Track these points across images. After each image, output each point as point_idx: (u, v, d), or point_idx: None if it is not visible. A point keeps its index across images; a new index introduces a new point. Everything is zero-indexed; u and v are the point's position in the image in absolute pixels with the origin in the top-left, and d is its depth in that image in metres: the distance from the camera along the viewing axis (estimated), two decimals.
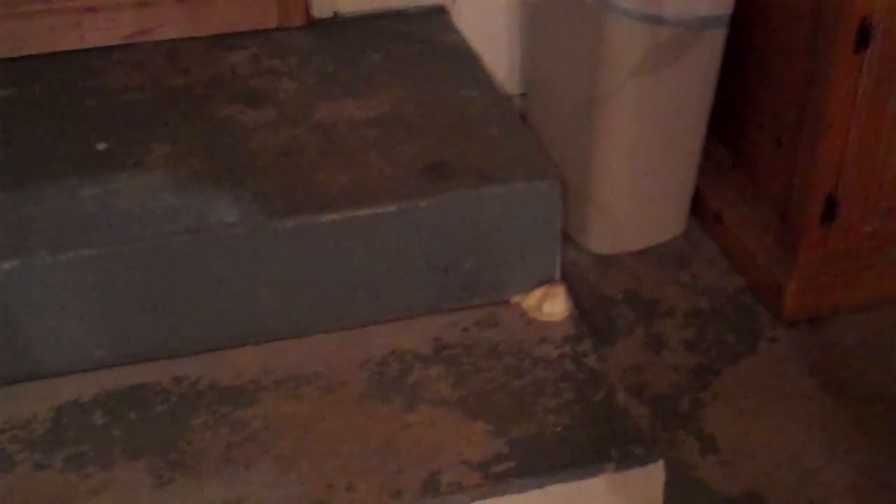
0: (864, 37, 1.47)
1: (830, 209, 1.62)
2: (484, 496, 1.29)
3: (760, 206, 1.77)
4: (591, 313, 1.69)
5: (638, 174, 1.77)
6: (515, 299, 1.56)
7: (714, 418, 1.54)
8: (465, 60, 1.76)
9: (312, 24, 1.84)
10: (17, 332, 1.38)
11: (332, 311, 1.49)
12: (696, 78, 1.70)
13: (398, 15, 1.87)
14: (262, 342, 1.48)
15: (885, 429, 1.52)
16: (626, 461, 1.33)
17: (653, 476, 1.34)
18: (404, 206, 1.45)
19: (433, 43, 1.79)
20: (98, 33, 1.74)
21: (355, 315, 1.51)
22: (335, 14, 1.86)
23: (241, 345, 1.47)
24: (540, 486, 1.30)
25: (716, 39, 1.68)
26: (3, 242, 1.36)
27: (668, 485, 1.35)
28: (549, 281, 1.57)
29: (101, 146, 1.52)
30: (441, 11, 1.89)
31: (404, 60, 1.74)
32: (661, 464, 1.34)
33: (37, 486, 1.28)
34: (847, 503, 1.42)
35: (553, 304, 1.54)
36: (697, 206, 1.88)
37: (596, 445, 1.34)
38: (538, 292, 1.55)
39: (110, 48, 1.75)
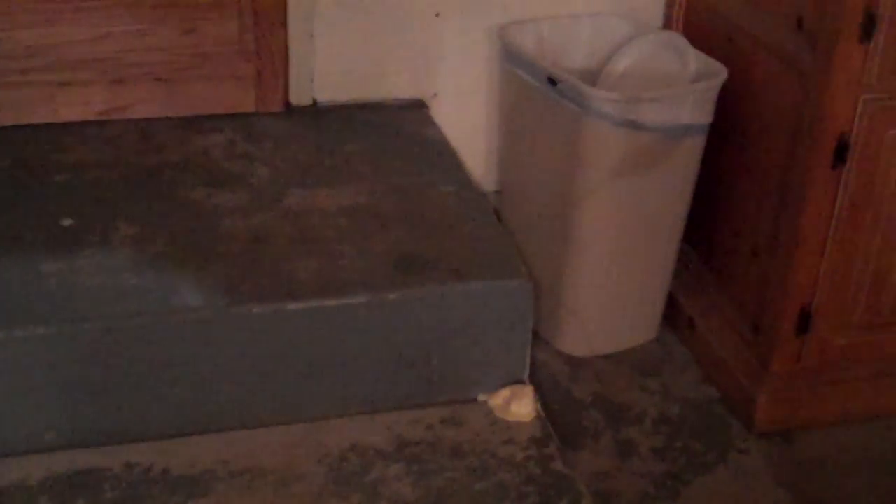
0: (841, 153, 1.50)
1: (804, 322, 1.62)
2: None
3: (734, 315, 1.78)
4: (559, 416, 1.68)
5: (611, 278, 1.78)
6: (482, 398, 1.55)
7: None
8: (443, 155, 1.78)
9: (290, 110, 1.86)
10: None
11: (293, 402, 1.48)
12: (672, 184, 1.72)
13: (377, 107, 1.89)
14: (220, 431, 1.46)
15: None
16: None
17: None
18: (373, 298, 1.45)
19: (411, 136, 1.81)
20: (72, 108, 1.75)
21: (317, 407, 1.49)
22: (314, 102, 1.88)
23: (198, 433, 1.45)
24: None
25: (694, 147, 1.71)
26: None
27: None
28: (517, 381, 1.56)
29: (67, 222, 1.52)
30: (420, 105, 1.91)
31: (381, 152, 1.76)
32: None
33: None
34: None
35: (520, 405, 1.53)
36: (670, 311, 1.89)
37: None
38: (506, 392, 1.55)
39: (84, 123, 1.75)
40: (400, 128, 1.83)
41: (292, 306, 1.41)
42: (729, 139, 1.75)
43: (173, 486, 1.37)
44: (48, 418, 1.39)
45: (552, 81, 1.67)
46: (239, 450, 1.43)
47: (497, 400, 1.55)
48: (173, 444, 1.43)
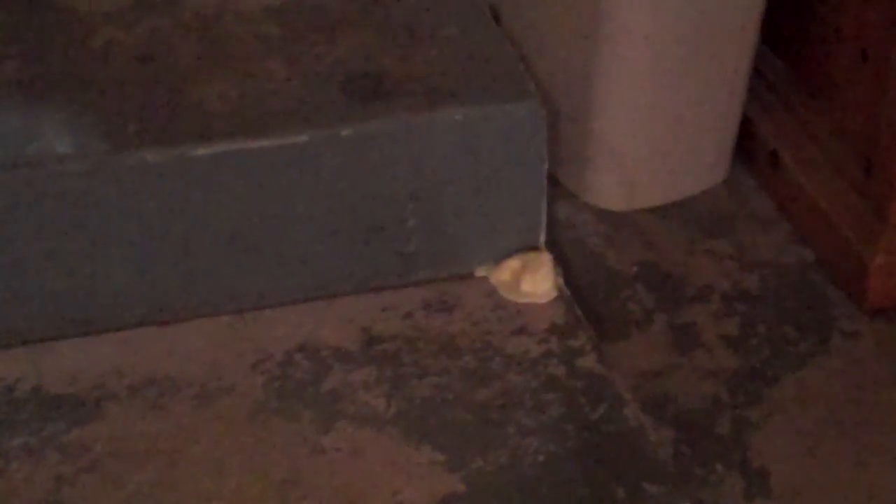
0: None
1: None
2: None
3: (836, 145, 1.78)
4: (591, 294, 1.70)
5: (660, 100, 1.78)
6: (480, 273, 1.57)
7: (766, 447, 1.53)
8: None
9: None
10: None
11: (211, 287, 1.50)
12: None
13: None
14: (111, 330, 1.48)
15: None
16: None
17: None
18: (319, 135, 1.45)
19: None
20: None
21: (246, 293, 1.51)
22: None
23: (81, 334, 1.47)
24: None
25: None
26: None
27: None
28: (529, 247, 1.58)
29: None
30: None
31: None
32: None
33: None
34: None
35: (535, 281, 1.54)
36: (745, 145, 1.90)
37: (594, 482, 1.33)
38: (513, 263, 1.56)
39: None
40: None
41: (202, 151, 1.41)
42: None
43: (49, 408, 1.39)
44: None
45: None
46: (140, 355, 1.45)
47: (502, 274, 1.56)
48: (46, 351, 1.45)
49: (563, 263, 1.60)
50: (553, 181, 1.67)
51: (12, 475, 1.32)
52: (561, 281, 1.56)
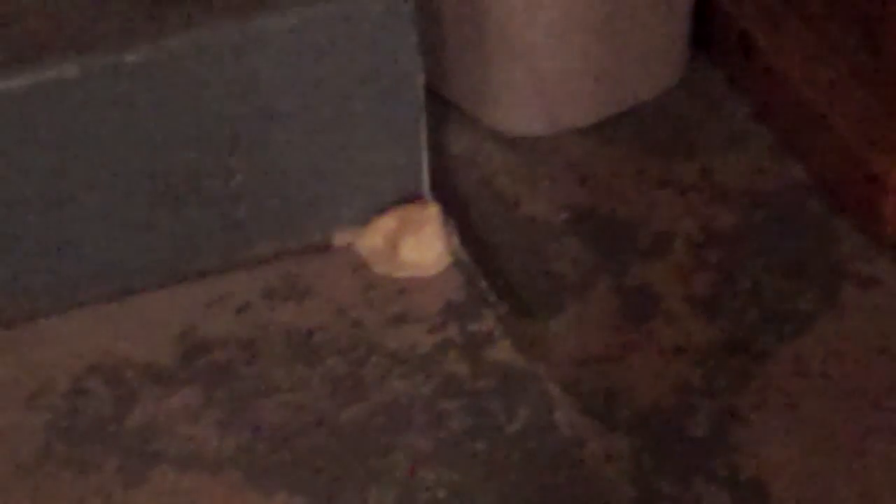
0: None
1: None
2: None
3: (830, 18, 1.79)
4: (502, 257, 1.69)
5: None
6: (342, 240, 1.58)
7: (760, 448, 1.53)
8: None
9: None
10: None
11: None
12: None
13: None
14: None
15: None
16: None
17: None
18: (102, 61, 1.44)
19: None
20: None
21: (15, 299, 1.51)
22: None
23: None
24: None
25: None
26: None
27: None
28: (408, 198, 1.58)
29: None
30: None
31: None
32: None
33: None
34: None
35: (419, 245, 1.56)
36: (706, 29, 1.91)
37: None
38: (387, 222, 1.57)
39: None
40: None
41: None
42: None
43: None
44: None
45: None
46: None
47: (373, 239, 1.57)
48: None
49: (458, 217, 1.61)
50: (441, 102, 1.69)
51: None
52: (456, 241, 1.57)
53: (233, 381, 1.45)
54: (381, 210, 1.57)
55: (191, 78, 1.47)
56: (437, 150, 1.61)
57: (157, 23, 1.47)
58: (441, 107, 1.69)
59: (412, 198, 1.58)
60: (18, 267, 1.50)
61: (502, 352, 1.47)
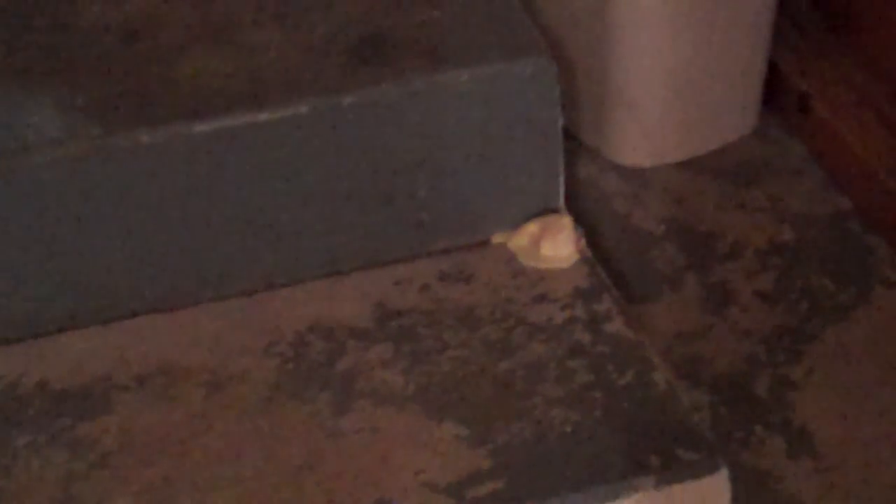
0: None
1: None
2: None
3: (869, 84, 1.79)
4: (617, 256, 1.71)
5: (681, 50, 1.78)
6: (498, 239, 1.58)
7: (808, 406, 1.54)
8: None
9: None
10: None
11: (219, 269, 1.50)
12: None
13: None
14: (116, 319, 1.49)
15: None
16: (673, 472, 1.33)
17: (713, 490, 1.35)
18: (320, 105, 1.45)
19: None
20: None
21: (254, 274, 1.52)
22: None
23: (85, 324, 1.47)
24: None
25: None
26: None
27: (743, 501, 1.36)
28: (548, 210, 1.58)
29: None
30: None
31: None
32: (724, 474, 1.34)
33: None
34: None
35: (555, 244, 1.55)
36: (774, 90, 1.89)
37: (626, 452, 1.34)
38: (532, 228, 1.56)
39: None
40: None
41: (198, 128, 1.42)
42: None
43: (55, 403, 1.40)
44: None
45: None
46: (147, 344, 1.46)
47: (521, 240, 1.56)
48: (49, 345, 1.46)
49: (584, 225, 1.60)
50: (572, 139, 1.68)
51: (20, 474, 1.32)
52: (583, 243, 1.56)
53: (415, 340, 1.45)
54: (528, 218, 1.56)
55: (390, 118, 1.46)
56: (570, 175, 1.61)
57: (365, 76, 1.46)
58: (573, 143, 1.68)
59: (551, 210, 1.57)
60: (265, 252, 1.50)
61: (616, 326, 1.46)
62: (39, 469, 1.33)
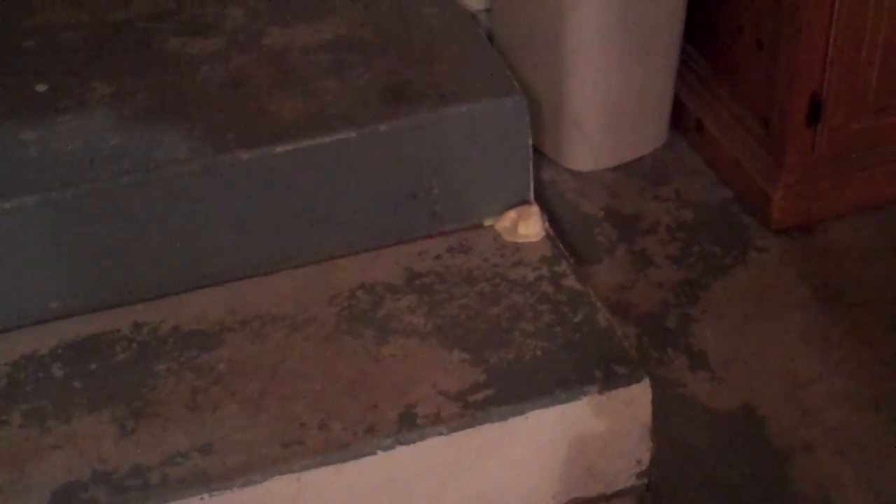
0: None
1: (815, 110, 1.60)
2: (463, 426, 1.28)
3: (743, 112, 1.75)
4: (570, 233, 1.69)
5: (612, 85, 1.75)
6: (488, 223, 1.55)
7: (704, 334, 1.54)
8: None
9: None
10: None
11: (295, 247, 1.48)
12: None
13: None
14: (224, 282, 1.47)
15: (879, 334, 1.51)
16: (611, 382, 1.32)
17: (639, 395, 1.34)
18: (364, 132, 1.44)
19: None
20: None
21: (320, 249, 1.50)
22: None
23: (203, 286, 1.46)
24: (521, 413, 1.30)
25: None
26: None
27: (657, 403, 1.35)
28: (523, 202, 1.56)
29: (42, 87, 1.50)
30: None
31: None
32: (646, 382, 1.33)
33: None
34: (842, 412, 1.42)
35: (528, 226, 1.52)
36: (678, 116, 1.87)
37: (578, 367, 1.33)
38: (512, 214, 1.54)
39: None
40: None
41: (281, 148, 1.40)
42: None
43: (184, 340, 1.39)
44: (50, 288, 1.40)
45: None
46: (247, 299, 1.44)
47: (504, 223, 1.54)
48: (180, 300, 1.44)
49: (547, 211, 1.59)
50: (537, 151, 1.65)
51: (161, 390, 1.33)
52: (547, 224, 1.55)
53: (433, 293, 1.44)
54: (508, 207, 1.54)
55: (412, 140, 1.46)
56: (536, 176, 1.60)
57: (394, 111, 1.45)
58: (537, 154, 1.66)
59: (524, 201, 1.55)
60: (326, 233, 1.49)
61: (570, 281, 1.45)
62: (174, 385, 1.33)
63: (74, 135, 1.42)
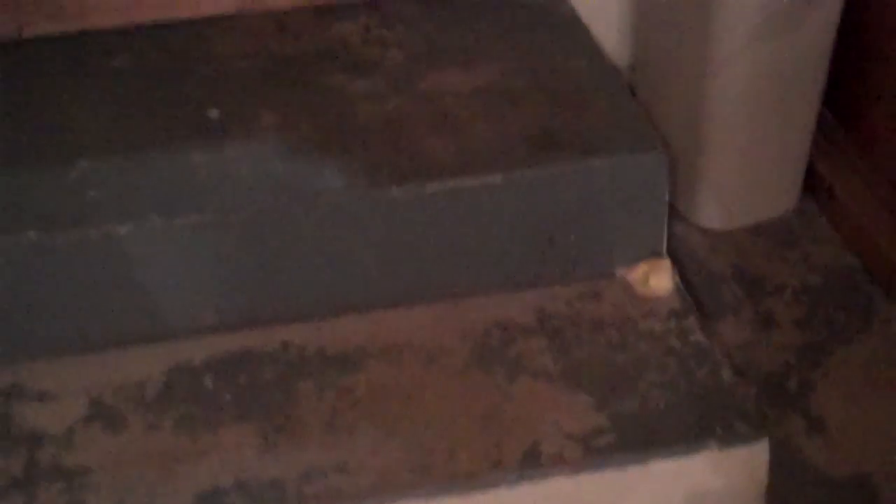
0: None
1: None
2: (584, 470, 1.30)
3: (875, 180, 1.74)
4: (697, 289, 1.68)
5: (750, 147, 1.74)
6: (620, 273, 1.56)
7: (823, 399, 1.52)
8: (575, 30, 1.75)
9: None
10: (131, 295, 1.43)
11: (435, 281, 1.51)
12: (811, 47, 1.67)
13: None
14: (367, 310, 1.50)
15: None
16: (730, 439, 1.32)
17: (757, 454, 1.34)
18: (510, 176, 1.45)
19: (542, 12, 1.78)
20: (212, 2, 1.77)
21: (458, 286, 1.52)
22: None
23: (347, 312, 1.49)
24: (640, 462, 1.30)
25: (833, 7, 1.65)
26: (118, 207, 1.40)
27: (773, 464, 1.34)
28: (654, 255, 1.56)
29: (213, 113, 1.56)
30: None
31: (512, 30, 1.74)
32: (765, 442, 1.33)
33: (147, 446, 1.33)
34: None
35: (658, 279, 1.53)
36: (810, 180, 1.85)
37: (699, 422, 1.34)
38: (643, 266, 1.55)
39: (224, 17, 1.78)
40: (532, 4, 1.80)
41: (431, 187, 1.44)
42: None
43: (328, 363, 1.42)
44: (208, 302, 1.45)
45: None
46: (387, 327, 1.47)
47: (635, 274, 1.55)
48: (326, 324, 1.48)
49: (678, 266, 1.59)
50: (671, 207, 1.63)
51: (303, 407, 1.37)
52: (677, 279, 1.55)
53: (563, 337, 1.45)
54: (641, 259, 1.55)
55: (555, 187, 1.46)
56: (669, 231, 1.59)
57: (540, 158, 1.46)
58: (672, 209, 1.63)
59: (657, 255, 1.56)
60: (465, 271, 1.50)
61: (697, 336, 1.46)
62: (316, 404, 1.37)
63: (242, 160, 1.47)
